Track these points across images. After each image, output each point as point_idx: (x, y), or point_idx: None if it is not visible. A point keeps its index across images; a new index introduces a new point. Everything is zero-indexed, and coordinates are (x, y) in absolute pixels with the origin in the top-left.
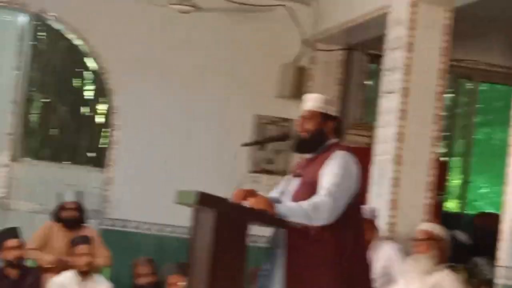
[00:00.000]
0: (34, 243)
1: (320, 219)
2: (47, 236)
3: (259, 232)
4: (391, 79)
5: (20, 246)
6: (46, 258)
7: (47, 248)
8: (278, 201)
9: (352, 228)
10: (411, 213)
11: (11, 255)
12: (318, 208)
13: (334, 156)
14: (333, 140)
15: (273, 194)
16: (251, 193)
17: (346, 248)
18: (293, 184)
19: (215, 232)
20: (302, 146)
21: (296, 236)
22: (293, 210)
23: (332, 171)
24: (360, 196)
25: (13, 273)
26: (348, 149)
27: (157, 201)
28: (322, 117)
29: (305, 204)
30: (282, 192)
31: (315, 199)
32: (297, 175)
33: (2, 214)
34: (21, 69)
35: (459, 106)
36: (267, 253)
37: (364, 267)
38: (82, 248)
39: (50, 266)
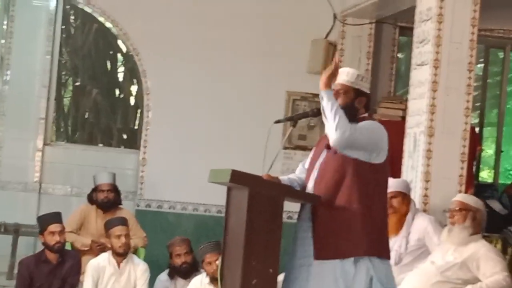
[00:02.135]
0: (70, 226)
1: (338, 129)
2: (82, 219)
3: (295, 209)
4: (422, 51)
5: (62, 231)
6: (83, 241)
7: (83, 231)
8: (290, 187)
9: (379, 199)
10: (445, 184)
11: (53, 240)
12: (342, 122)
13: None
14: (364, 115)
15: (286, 177)
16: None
17: (373, 215)
18: (322, 156)
19: (249, 209)
20: None
21: (322, 207)
22: (332, 103)
23: None
24: (389, 166)
25: (53, 257)
26: (376, 120)
27: (191, 181)
28: (355, 92)
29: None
30: (306, 169)
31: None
32: (327, 148)
33: (38, 198)
34: (53, 54)
35: (491, 75)
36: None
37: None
38: (118, 229)
39: (86, 248)
